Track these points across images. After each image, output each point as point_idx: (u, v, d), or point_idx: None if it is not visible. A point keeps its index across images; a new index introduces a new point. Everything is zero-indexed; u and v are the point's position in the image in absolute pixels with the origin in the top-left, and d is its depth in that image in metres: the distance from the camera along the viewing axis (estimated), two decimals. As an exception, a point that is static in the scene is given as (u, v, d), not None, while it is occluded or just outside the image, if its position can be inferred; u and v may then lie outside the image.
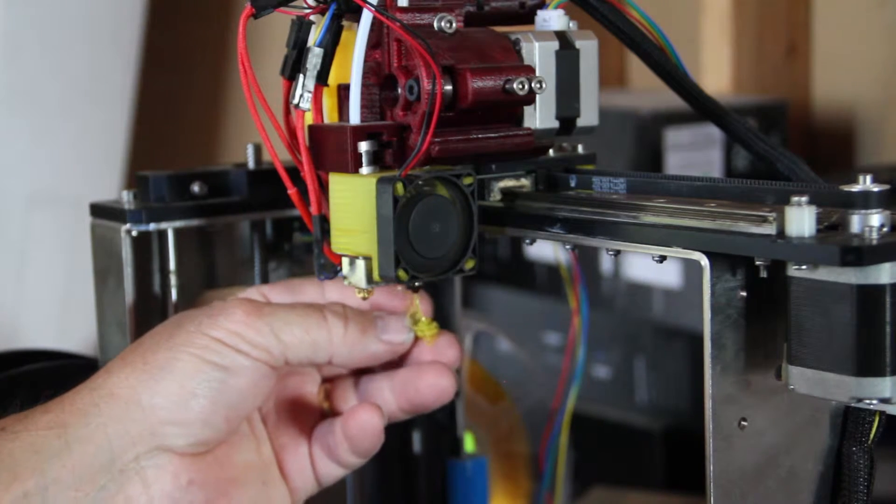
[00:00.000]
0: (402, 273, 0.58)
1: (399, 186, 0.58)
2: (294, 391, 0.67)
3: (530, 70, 0.62)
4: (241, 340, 0.61)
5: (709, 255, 0.55)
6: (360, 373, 0.68)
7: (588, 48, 0.64)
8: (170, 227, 0.69)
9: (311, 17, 0.61)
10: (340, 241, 0.61)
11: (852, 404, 0.55)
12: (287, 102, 0.62)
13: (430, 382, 0.66)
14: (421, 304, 0.67)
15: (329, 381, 0.69)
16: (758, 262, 0.55)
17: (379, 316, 0.66)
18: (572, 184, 0.65)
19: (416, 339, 0.66)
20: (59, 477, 0.59)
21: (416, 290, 0.62)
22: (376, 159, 0.60)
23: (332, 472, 0.66)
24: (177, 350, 0.61)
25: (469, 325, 1.04)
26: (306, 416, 0.67)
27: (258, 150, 0.72)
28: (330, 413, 0.68)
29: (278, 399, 0.67)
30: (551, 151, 0.67)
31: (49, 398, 0.62)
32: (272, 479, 0.65)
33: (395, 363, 0.67)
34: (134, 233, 0.68)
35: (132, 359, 0.62)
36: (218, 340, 0.61)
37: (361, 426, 0.64)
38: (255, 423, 0.66)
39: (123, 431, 0.60)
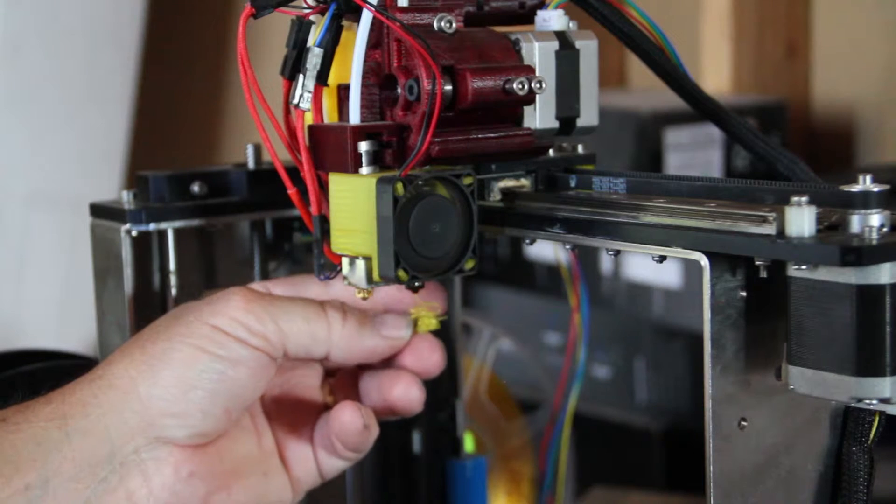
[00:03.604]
0: (402, 273, 0.58)
1: (399, 186, 0.58)
2: (297, 384, 0.67)
3: (530, 70, 0.62)
4: (241, 327, 0.61)
5: (709, 255, 0.55)
6: (363, 369, 0.68)
7: (588, 48, 0.64)
8: (170, 227, 0.69)
9: (311, 17, 0.61)
10: (340, 241, 0.61)
11: (852, 404, 0.55)
12: (287, 102, 0.62)
13: (400, 393, 0.66)
14: (434, 299, 0.66)
15: (333, 376, 0.69)
16: (758, 262, 0.55)
17: (378, 314, 0.65)
18: (572, 184, 0.65)
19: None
20: (60, 469, 0.59)
21: (416, 290, 0.62)
22: (376, 159, 0.60)
23: (333, 464, 0.67)
24: (175, 340, 0.61)
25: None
26: (309, 410, 0.67)
27: (258, 150, 0.72)
28: (333, 407, 0.68)
29: (282, 392, 0.67)
30: (551, 151, 0.67)
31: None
32: (273, 470, 0.65)
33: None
34: (134, 233, 0.68)
35: (131, 350, 0.62)
36: (217, 329, 0.61)
37: (343, 425, 0.64)
38: (257, 415, 0.66)
39: (122, 423, 0.60)
